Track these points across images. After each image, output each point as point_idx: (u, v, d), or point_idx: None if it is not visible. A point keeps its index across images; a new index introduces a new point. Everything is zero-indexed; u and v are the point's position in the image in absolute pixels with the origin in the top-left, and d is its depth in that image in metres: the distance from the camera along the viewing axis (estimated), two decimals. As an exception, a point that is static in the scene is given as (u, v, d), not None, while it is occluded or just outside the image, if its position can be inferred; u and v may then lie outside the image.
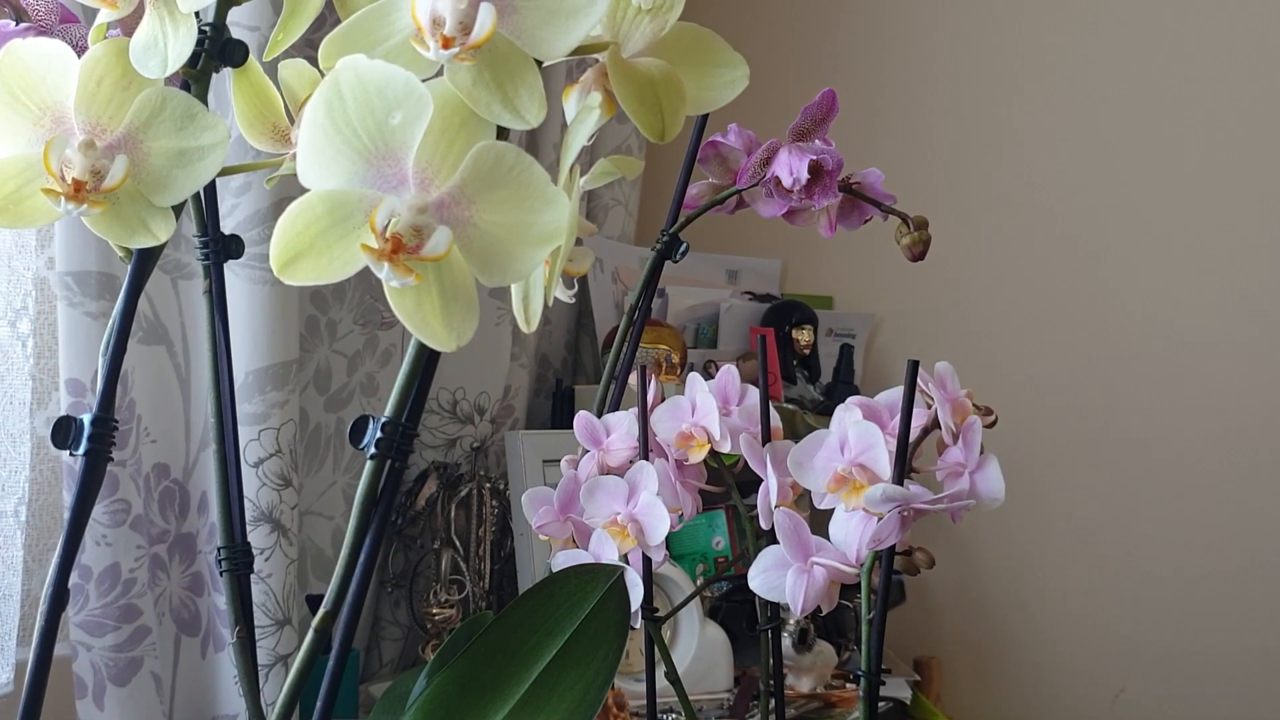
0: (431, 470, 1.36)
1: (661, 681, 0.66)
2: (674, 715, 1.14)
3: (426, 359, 0.50)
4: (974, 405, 0.55)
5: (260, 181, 1.08)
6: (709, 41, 0.51)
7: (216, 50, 0.53)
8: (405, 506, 1.33)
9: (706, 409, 0.62)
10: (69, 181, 0.49)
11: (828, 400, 1.67)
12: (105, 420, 0.54)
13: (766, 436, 0.63)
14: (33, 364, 1.02)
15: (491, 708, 0.51)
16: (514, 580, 1.32)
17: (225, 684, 1.13)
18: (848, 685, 1.31)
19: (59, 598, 0.53)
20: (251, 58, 0.55)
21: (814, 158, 0.62)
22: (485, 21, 0.41)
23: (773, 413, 0.63)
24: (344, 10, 0.48)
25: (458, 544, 1.32)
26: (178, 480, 1.12)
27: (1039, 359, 1.76)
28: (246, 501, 0.98)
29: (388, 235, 0.42)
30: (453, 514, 1.32)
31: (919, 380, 0.54)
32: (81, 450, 0.54)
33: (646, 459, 0.62)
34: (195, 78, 0.53)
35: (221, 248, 0.61)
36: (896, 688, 1.42)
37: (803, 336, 1.69)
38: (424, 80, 0.42)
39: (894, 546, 0.53)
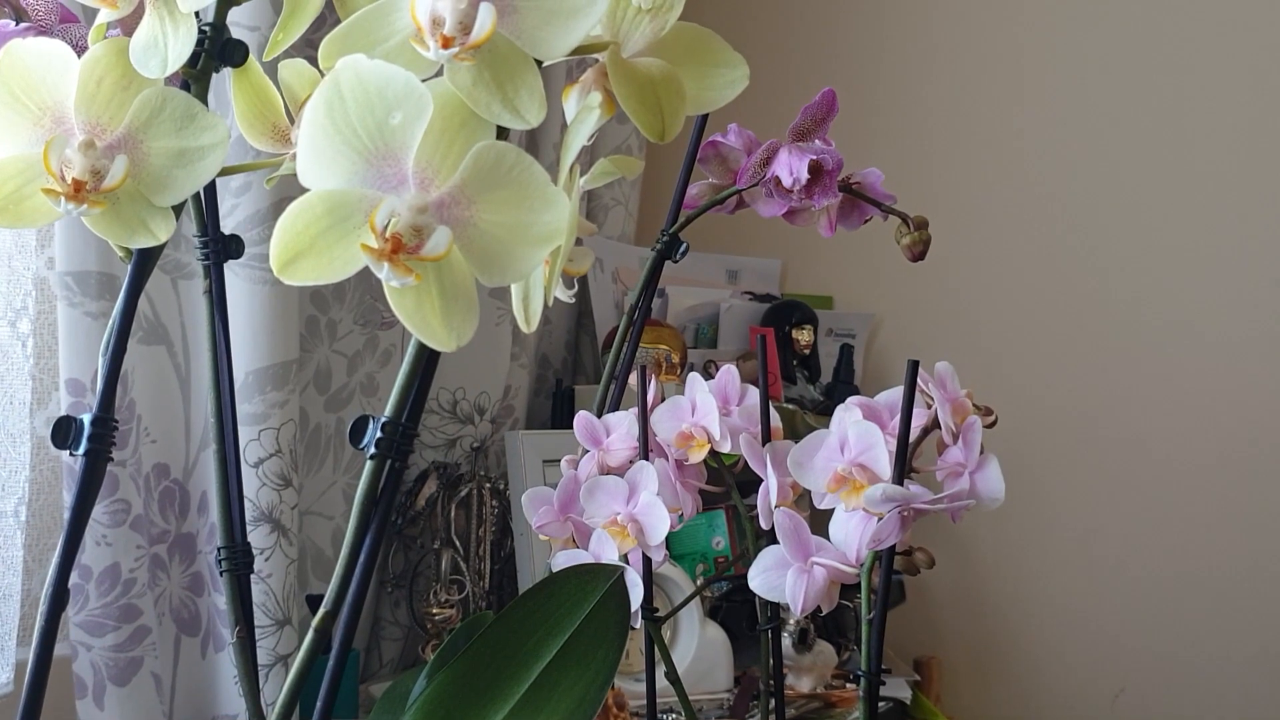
0: (431, 470, 1.36)
1: (661, 681, 0.66)
2: (674, 715, 1.14)
3: (426, 359, 0.50)
4: (974, 405, 0.55)
5: (260, 181, 1.08)
6: (709, 41, 0.51)
7: (216, 50, 0.53)
8: (405, 506, 1.33)
9: (706, 409, 0.62)
10: (69, 181, 0.48)
11: (828, 400, 1.67)
12: (105, 420, 0.54)
13: (766, 436, 0.63)
14: (33, 364, 1.02)
15: (491, 708, 0.51)
16: (514, 580, 1.32)
17: (225, 684, 1.13)
18: (848, 685, 1.31)
19: (59, 598, 0.53)
20: (251, 58, 0.55)
21: (814, 158, 0.62)
22: (485, 21, 0.41)
23: (773, 413, 0.63)
24: (344, 10, 0.48)
25: (458, 544, 1.32)
26: (178, 480, 1.12)
27: (1039, 359, 1.76)
28: (246, 501, 0.98)
29: (388, 235, 0.42)
30: (453, 514, 1.32)
31: (919, 380, 0.54)
32: (81, 450, 0.54)
33: (646, 459, 0.62)
34: (195, 78, 0.53)
35: (221, 248, 0.61)
36: (896, 688, 1.42)
37: (803, 336, 1.69)
38: (424, 80, 0.42)
39: (894, 546, 0.53)
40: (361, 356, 1.30)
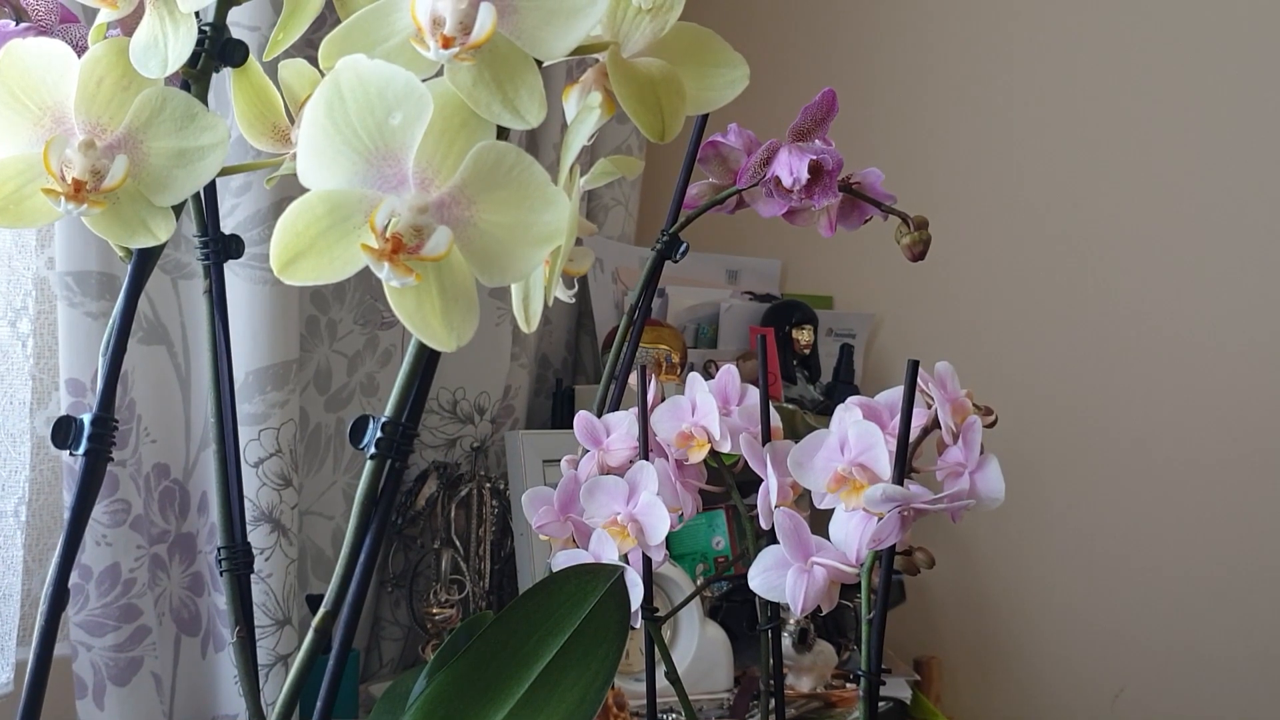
0: (431, 470, 1.36)
1: (661, 681, 0.66)
2: (674, 715, 1.14)
3: (426, 359, 0.50)
4: (974, 405, 0.55)
5: (260, 181, 1.08)
6: (709, 41, 0.51)
7: (216, 50, 0.53)
8: (405, 506, 1.33)
9: (706, 409, 0.62)
10: (69, 181, 0.48)
11: (828, 400, 1.67)
12: (105, 420, 0.54)
13: (766, 436, 0.63)
14: (33, 364, 1.02)
15: (491, 708, 0.51)
16: (514, 580, 1.32)
17: (225, 684, 1.13)
18: (848, 685, 1.31)
19: (59, 598, 0.53)
20: (251, 58, 0.55)
21: (814, 158, 0.62)
22: (485, 21, 0.41)
23: (773, 413, 0.63)
24: (344, 10, 0.48)
25: (458, 544, 1.32)
26: (178, 480, 1.12)
27: (1039, 359, 1.76)
28: (246, 501, 0.98)
29: (388, 235, 0.42)
30: (453, 514, 1.32)
31: (919, 380, 0.54)
32: (81, 450, 0.54)
33: (646, 459, 0.62)
34: (195, 78, 0.53)
35: (221, 248, 0.61)
36: (896, 688, 1.42)
37: (803, 336, 1.69)
38: (424, 80, 0.42)
39: (894, 546, 0.53)
40: (361, 356, 1.30)
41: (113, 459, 0.55)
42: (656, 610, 0.64)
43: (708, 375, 0.64)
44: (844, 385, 1.70)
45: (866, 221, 0.68)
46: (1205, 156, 1.70)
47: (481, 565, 1.32)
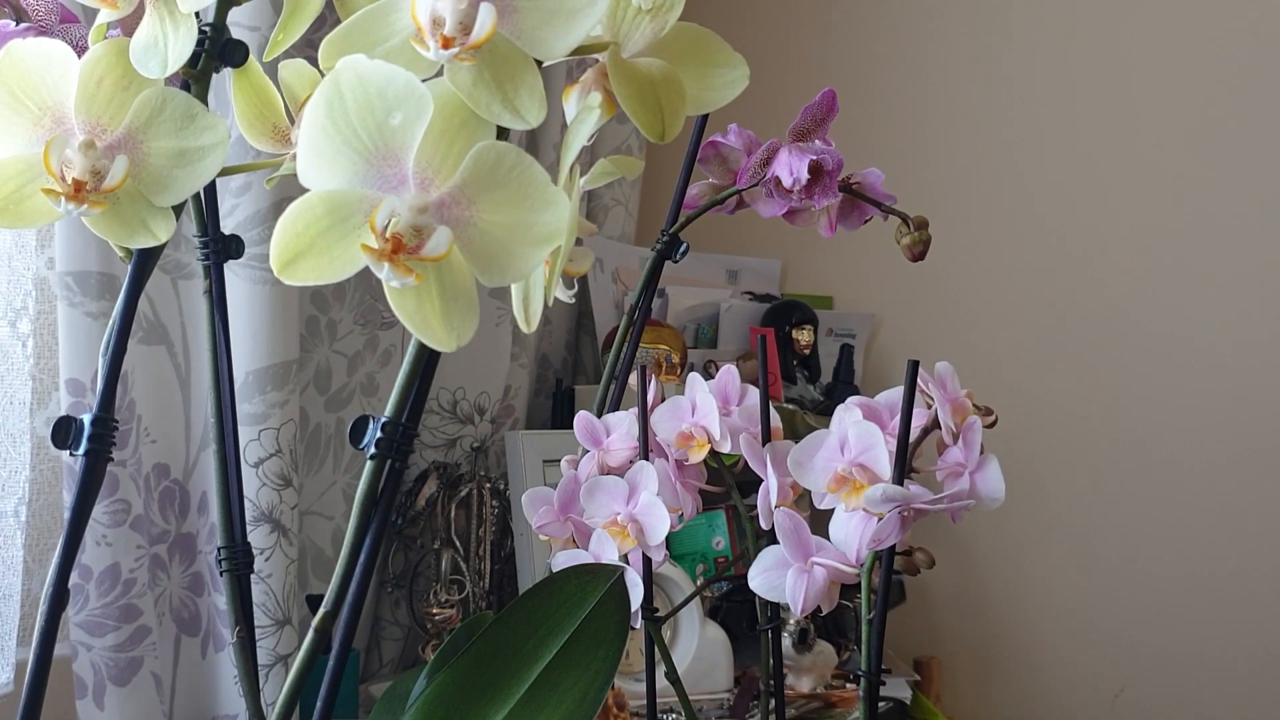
0: (431, 470, 1.36)
1: (661, 681, 0.66)
2: (674, 715, 1.14)
3: (426, 359, 0.50)
4: (974, 405, 0.55)
5: (260, 181, 1.08)
6: (709, 41, 0.51)
7: (216, 50, 0.53)
8: (405, 506, 1.33)
9: (706, 409, 0.62)
10: (69, 181, 0.48)
11: (828, 400, 1.67)
12: (105, 420, 0.54)
13: (766, 436, 0.63)
14: (33, 364, 1.02)
15: (491, 708, 0.51)
16: (514, 580, 1.32)
17: (225, 684, 1.13)
18: (848, 685, 1.31)
19: (59, 598, 0.53)
20: (251, 58, 0.55)
21: (814, 158, 0.62)
22: (485, 21, 0.41)
23: (773, 413, 0.63)
24: (344, 10, 0.48)
25: (458, 544, 1.32)
26: (178, 480, 1.12)
27: (1038, 359, 1.76)
28: (246, 501, 0.98)
29: (388, 235, 0.42)
30: (453, 514, 1.32)
31: (919, 380, 0.54)
32: (81, 450, 0.54)
33: (646, 459, 0.62)
34: (195, 78, 0.53)
35: (221, 248, 0.61)
36: (896, 688, 1.42)
37: (803, 336, 1.69)
38: (424, 80, 0.42)
39: (894, 546, 0.53)
40: (361, 356, 1.30)
41: (113, 459, 0.55)
42: (656, 610, 0.64)
43: (708, 375, 0.64)
44: (844, 385, 1.70)
45: (866, 221, 0.68)
46: (1205, 157, 1.70)
47: (481, 565, 1.32)
